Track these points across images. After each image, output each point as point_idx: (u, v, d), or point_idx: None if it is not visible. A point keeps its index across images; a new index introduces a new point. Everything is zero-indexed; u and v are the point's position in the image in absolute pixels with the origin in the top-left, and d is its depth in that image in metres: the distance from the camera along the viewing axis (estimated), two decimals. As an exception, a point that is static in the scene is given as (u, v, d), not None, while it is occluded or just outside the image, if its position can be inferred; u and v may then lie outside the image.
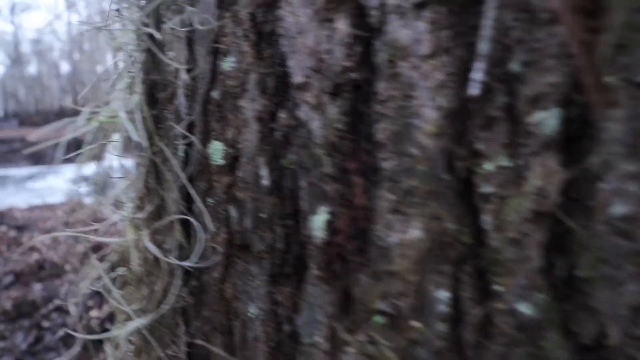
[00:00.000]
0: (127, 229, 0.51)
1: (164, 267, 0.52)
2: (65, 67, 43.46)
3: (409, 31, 0.44)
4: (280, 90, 0.51)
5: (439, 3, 0.43)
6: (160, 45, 0.52)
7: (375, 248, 0.46)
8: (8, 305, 5.78)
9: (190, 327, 0.58)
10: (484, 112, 0.42)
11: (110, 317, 4.42)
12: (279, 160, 0.51)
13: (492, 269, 0.43)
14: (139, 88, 0.51)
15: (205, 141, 0.56)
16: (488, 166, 0.43)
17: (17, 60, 39.57)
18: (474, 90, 0.42)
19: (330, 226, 0.48)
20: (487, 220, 0.43)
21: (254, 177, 0.52)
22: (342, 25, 0.47)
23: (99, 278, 0.54)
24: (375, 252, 0.46)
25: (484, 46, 0.41)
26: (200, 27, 0.54)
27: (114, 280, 0.54)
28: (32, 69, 42.51)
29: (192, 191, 0.53)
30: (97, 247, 8.20)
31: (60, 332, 4.77)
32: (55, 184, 23.70)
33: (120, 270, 0.54)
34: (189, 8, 0.51)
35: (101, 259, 0.55)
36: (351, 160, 0.47)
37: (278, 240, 0.51)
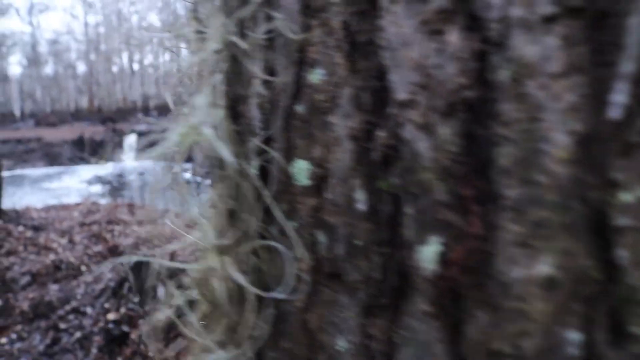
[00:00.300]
0: (208, 255, 0.47)
1: (249, 298, 0.48)
2: (81, 68, 43.86)
3: (537, 47, 0.40)
4: (378, 106, 0.47)
5: (572, 16, 0.38)
6: (246, 55, 0.48)
7: (495, 283, 0.42)
8: (25, 305, 5.79)
9: (265, 359, 0.54)
10: (623, 137, 0.38)
11: (128, 320, 4.40)
12: (376, 183, 0.47)
13: (628, 308, 0.39)
14: (221, 101, 0.47)
15: (287, 159, 0.52)
16: (625, 197, 0.38)
17: (34, 60, 39.96)
18: (614, 113, 0.38)
19: (443, 258, 0.43)
20: (622, 255, 0.39)
21: (346, 201, 0.48)
22: (454, 38, 0.43)
23: (176, 305, 0.50)
24: (495, 288, 0.42)
25: (627, 65, 0.37)
26: (284, 36, 0.50)
27: (190, 307, 0.50)
28: (48, 69, 42.92)
29: (278, 214, 0.49)
30: (113, 249, 8.24)
31: (77, 334, 4.76)
32: (71, 184, 23.88)
33: (198, 298, 0.50)
34: (277, 15, 0.47)
35: (178, 286, 0.51)
36: (466, 187, 0.42)
37: (374, 270, 0.47)
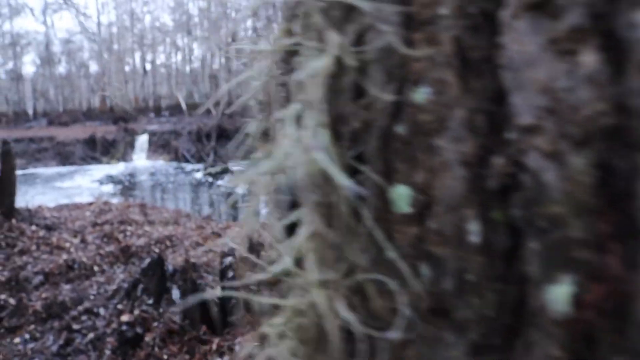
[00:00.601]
0: (310, 289, 0.43)
1: (359, 336, 0.44)
2: (94, 67, 44.11)
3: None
4: (494, 130, 0.43)
5: None
6: (351, 71, 0.44)
7: (635, 328, 0.38)
8: (38, 305, 5.79)
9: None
10: None
11: (142, 322, 4.38)
12: (490, 213, 0.43)
13: None
14: (325, 120, 0.44)
15: (384, 184, 0.48)
16: None
17: (47, 60, 40.21)
18: None
19: (576, 299, 0.39)
20: None
21: (456, 231, 0.44)
22: (589, 59, 0.39)
23: (269, 340, 0.46)
24: (636, 333, 0.38)
25: None
26: (383, 50, 0.46)
27: (284, 342, 0.46)
28: (61, 68, 43.20)
29: (386, 245, 0.45)
30: (125, 249, 8.22)
31: (91, 335, 4.75)
32: (83, 183, 23.97)
33: (294, 333, 0.46)
34: (385, 28, 0.44)
35: (271, 316, 0.47)
36: (603, 222, 0.39)
37: (487, 307, 0.43)
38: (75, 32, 42.77)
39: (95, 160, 29.34)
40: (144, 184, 23.14)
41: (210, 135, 27.97)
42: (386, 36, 0.43)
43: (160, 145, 29.42)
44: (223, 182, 21.88)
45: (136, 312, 4.57)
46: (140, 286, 4.81)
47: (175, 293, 4.29)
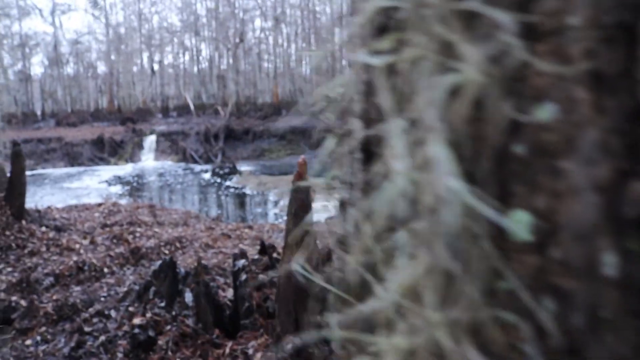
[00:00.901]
0: (433, 329, 0.39)
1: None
2: (102, 68, 44.22)
3: None
4: (633, 153, 0.39)
5: None
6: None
7: None
8: (49, 307, 5.77)
9: None
10: None
11: (154, 325, 4.35)
12: (627, 244, 0.39)
13: None
14: (447, 142, 0.40)
15: (500, 209, 0.44)
16: None
17: (55, 61, 40.34)
18: None
19: None
20: None
21: (586, 262, 0.40)
22: None
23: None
24: None
25: None
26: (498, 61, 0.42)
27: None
28: (69, 69, 43.36)
29: (508, 275, 0.41)
30: (135, 250, 8.19)
31: (102, 338, 4.72)
32: (91, 184, 24.01)
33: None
34: (512, 40, 0.40)
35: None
36: None
37: (624, 347, 0.39)
38: (84, 32, 42.91)
39: (103, 161, 29.41)
40: (152, 185, 23.17)
41: (218, 136, 28.00)
42: (514, 49, 0.39)
43: (168, 146, 29.47)
44: (231, 183, 21.87)
45: (148, 315, 4.54)
46: (152, 289, 4.78)
47: (188, 296, 4.25)
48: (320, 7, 40.76)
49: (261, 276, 4.42)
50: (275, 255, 5.36)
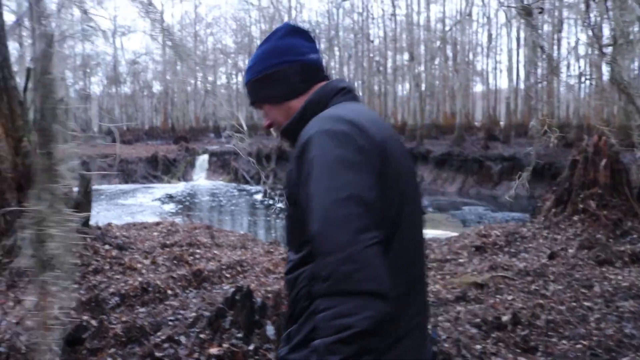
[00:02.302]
0: None
1: None
2: (157, 87, 45.32)
3: None
4: None
5: None
6: None
7: None
8: (118, 328, 5.77)
9: None
10: None
11: (231, 356, 4.26)
12: None
13: None
14: None
15: None
16: None
17: (114, 80, 41.57)
18: None
19: None
20: None
21: None
22: None
23: None
24: None
25: None
26: None
27: None
28: (126, 88, 44.60)
29: None
30: (197, 273, 8.18)
31: (174, 364, 4.66)
32: (144, 202, 24.43)
33: None
34: None
35: None
36: None
37: None
38: (141, 53, 44.14)
39: (157, 179, 29.96)
40: (205, 204, 23.42)
41: (270, 157, 28.17)
42: None
43: (219, 166, 29.83)
44: (283, 205, 21.89)
45: (225, 345, 4.47)
46: (228, 318, 4.71)
47: (270, 329, 4.15)
48: (374, 31, 40.95)
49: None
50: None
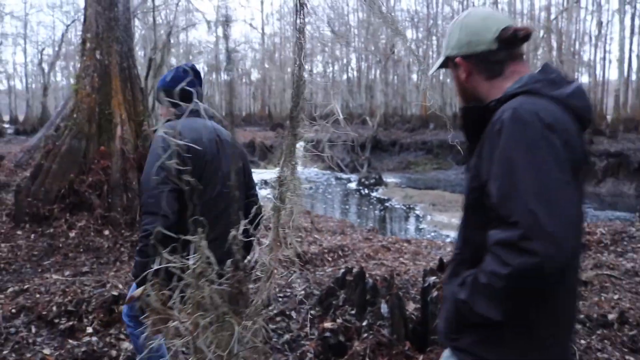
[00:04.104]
0: None
1: None
2: (255, 75, 46.56)
3: None
4: None
5: None
6: None
7: None
8: (230, 301, 6.15)
9: None
10: None
11: (345, 331, 4.50)
12: None
13: None
14: None
15: None
16: None
17: (214, 68, 43.09)
18: None
19: None
20: None
21: None
22: None
23: None
24: None
25: None
26: None
27: None
28: (225, 76, 46.05)
29: None
30: (300, 255, 8.52)
31: (286, 337, 4.96)
32: (243, 185, 25.07)
33: None
34: None
35: None
36: None
37: None
38: (241, 42, 45.40)
39: (253, 164, 30.90)
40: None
41: (365, 146, 28.36)
42: None
43: (314, 154, 30.26)
44: (377, 194, 22.03)
45: (339, 320, 4.71)
46: (341, 296, 4.96)
47: (384, 307, 4.37)
48: (473, 20, 39.89)
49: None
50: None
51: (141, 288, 2.02)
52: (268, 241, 2.33)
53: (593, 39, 37.64)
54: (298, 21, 1.63)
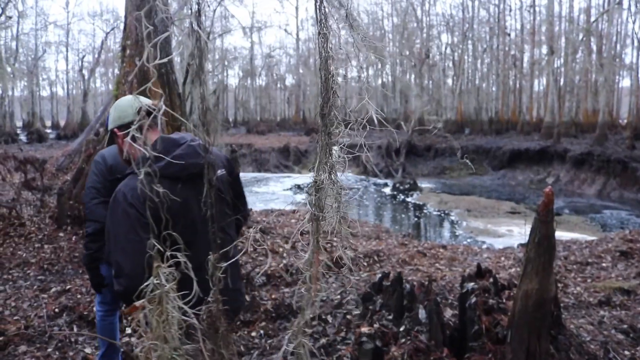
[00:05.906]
0: None
1: None
2: (290, 80, 46.79)
3: None
4: None
5: None
6: None
7: None
8: (269, 305, 6.20)
9: None
10: None
11: (381, 336, 4.48)
12: None
13: None
14: None
15: None
16: None
17: (249, 72, 43.47)
18: None
19: None
20: None
21: None
22: None
23: None
24: None
25: None
26: None
27: None
28: (260, 81, 46.45)
29: None
30: (335, 259, 8.49)
31: (323, 340, 4.96)
32: (276, 190, 25.35)
33: None
34: None
35: None
36: None
37: None
38: (276, 47, 45.69)
39: (288, 169, 30.98)
40: (333, 195, 23.85)
41: (399, 151, 28.20)
42: None
43: (349, 158, 30.23)
44: (412, 199, 21.88)
45: (376, 325, 4.69)
46: (378, 301, 4.94)
47: (422, 313, 4.33)
48: (510, 23, 39.57)
49: (491, 300, 4.38)
50: (491, 280, 5.27)
51: (142, 300, 2.02)
52: (307, 255, 2.01)
53: (635, 41, 36.68)
54: (318, 13, 1.57)
